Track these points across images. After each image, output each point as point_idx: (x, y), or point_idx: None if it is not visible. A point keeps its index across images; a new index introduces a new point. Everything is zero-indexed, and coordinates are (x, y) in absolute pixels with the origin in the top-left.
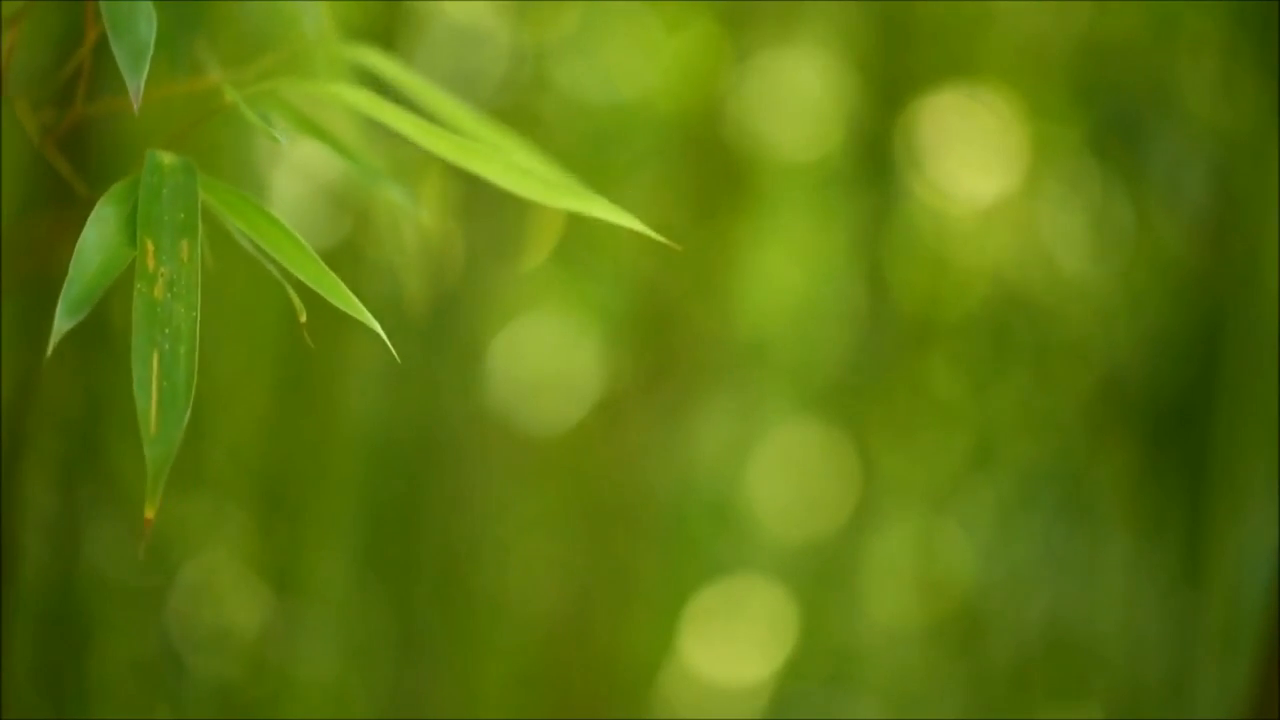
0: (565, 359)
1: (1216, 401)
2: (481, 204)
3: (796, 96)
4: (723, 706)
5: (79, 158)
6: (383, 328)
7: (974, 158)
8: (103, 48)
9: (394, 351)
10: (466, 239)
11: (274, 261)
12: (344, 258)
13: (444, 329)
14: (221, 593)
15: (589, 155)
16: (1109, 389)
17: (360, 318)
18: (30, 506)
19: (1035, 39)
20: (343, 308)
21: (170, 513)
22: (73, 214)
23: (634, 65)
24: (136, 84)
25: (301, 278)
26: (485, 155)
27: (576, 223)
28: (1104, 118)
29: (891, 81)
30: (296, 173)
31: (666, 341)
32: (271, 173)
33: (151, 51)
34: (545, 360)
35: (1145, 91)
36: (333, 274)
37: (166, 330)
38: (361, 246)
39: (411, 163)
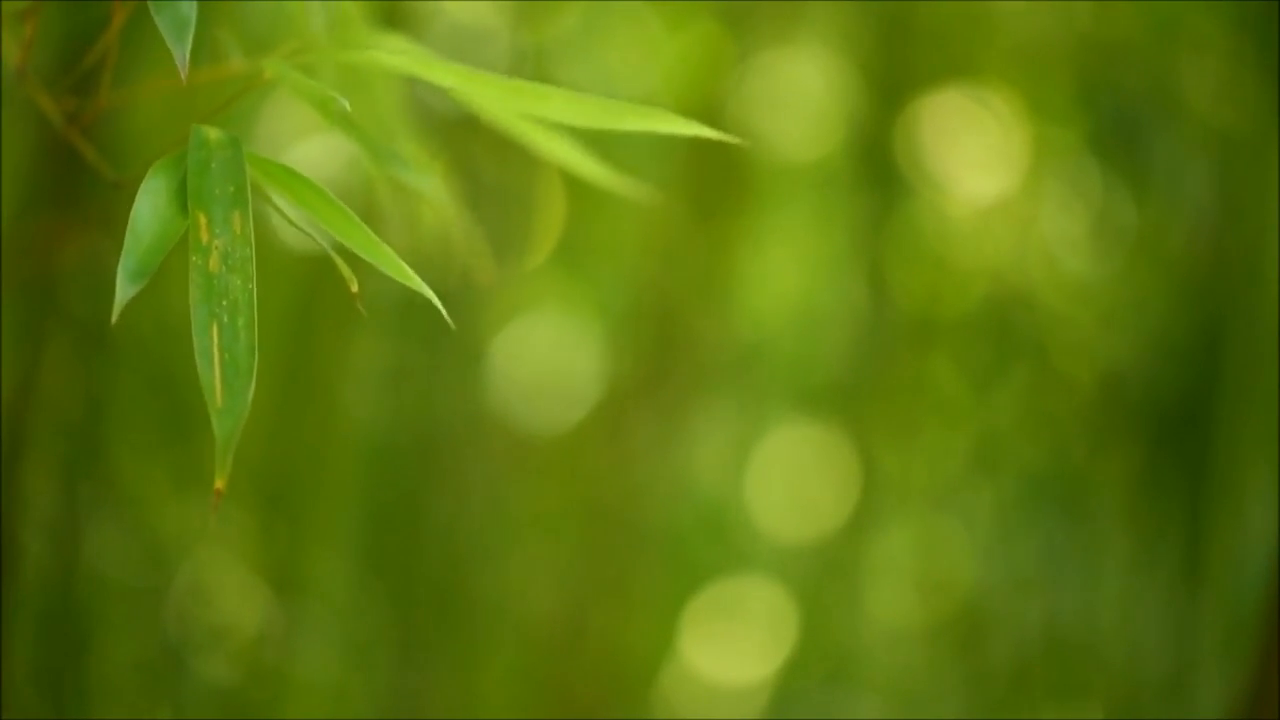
0: (565, 359)
1: (1217, 402)
2: (482, 204)
3: (797, 96)
4: (723, 706)
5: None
6: (383, 328)
7: (974, 158)
8: (122, 37)
9: (447, 317)
10: (467, 239)
11: (321, 233)
12: (345, 255)
13: (444, 329)
14: (221, 593)
15: (589, 155)
16: (1110, 389)
17: (412, 285)
18: (30, 506)
19: (1036, 39)
20: (393, 275)
21: (170, 513)
22: (73, 215)
23: (634, 65)
24: (182, 53)
25: (351, 247)
26: (536, 95)
27: (577, 223)
28: (1104, 118)
29: (892, 81)
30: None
31: (666, 342)
32: None
33: (194, 25)
34: (545, 360)
35: (1146, 92)
36: (382, 242)
37: (224, 302)
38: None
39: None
